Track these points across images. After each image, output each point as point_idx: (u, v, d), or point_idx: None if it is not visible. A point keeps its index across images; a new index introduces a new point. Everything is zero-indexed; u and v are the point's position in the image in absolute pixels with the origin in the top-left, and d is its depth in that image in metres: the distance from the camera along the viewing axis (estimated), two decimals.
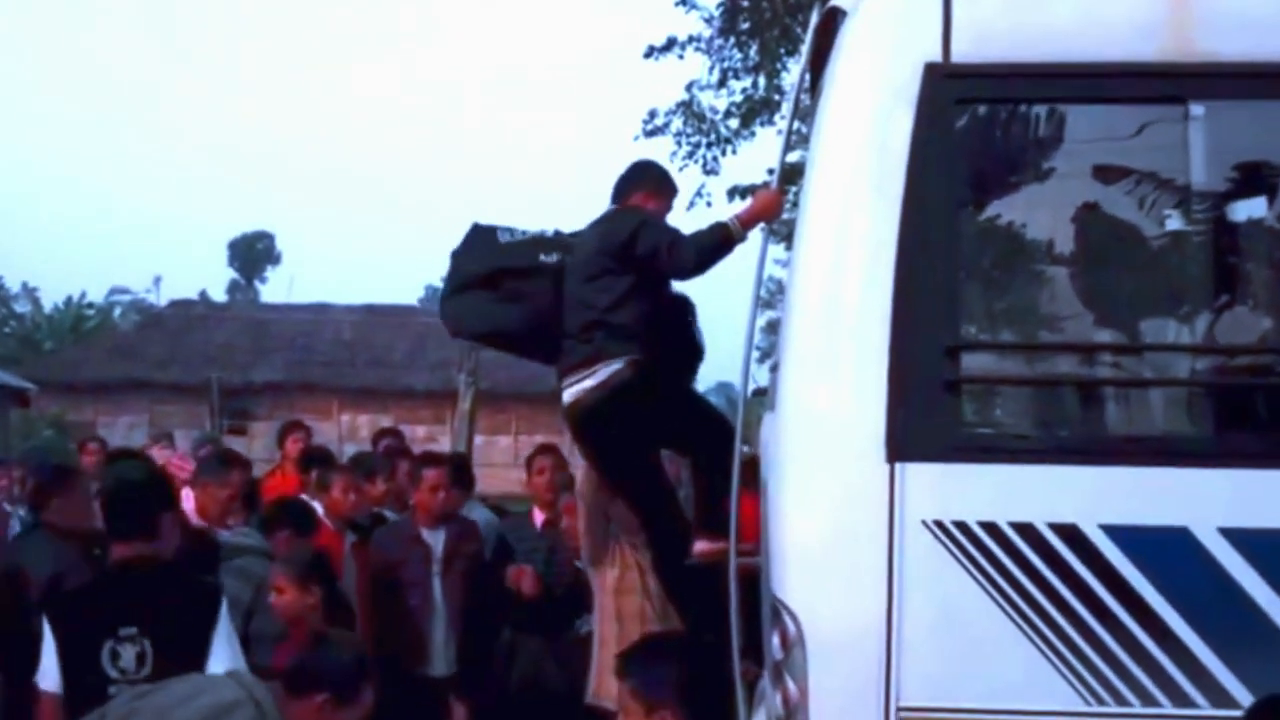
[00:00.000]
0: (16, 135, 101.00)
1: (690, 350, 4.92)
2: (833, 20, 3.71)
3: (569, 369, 4.57)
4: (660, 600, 4.82)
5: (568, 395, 4.58)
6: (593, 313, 4.51)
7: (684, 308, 4.91)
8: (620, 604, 4.85)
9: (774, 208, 4.32)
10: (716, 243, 4.32)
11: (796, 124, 4.53)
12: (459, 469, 6.61)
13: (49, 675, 3.86)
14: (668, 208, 4.89)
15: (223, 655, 3.90)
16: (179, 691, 3.39)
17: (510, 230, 4.86)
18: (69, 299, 45.57)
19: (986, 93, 3.48)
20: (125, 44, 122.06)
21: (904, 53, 3.40)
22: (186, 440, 10.73)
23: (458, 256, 4.88)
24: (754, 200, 4.44)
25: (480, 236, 4.87)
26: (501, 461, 27.64)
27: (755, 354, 4.34)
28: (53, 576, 5.00)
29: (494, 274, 4.74)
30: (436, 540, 6.06)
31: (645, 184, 4.81)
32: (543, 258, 4.76)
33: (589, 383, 4.49)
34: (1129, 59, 3.37)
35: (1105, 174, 3.56)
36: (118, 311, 49.21)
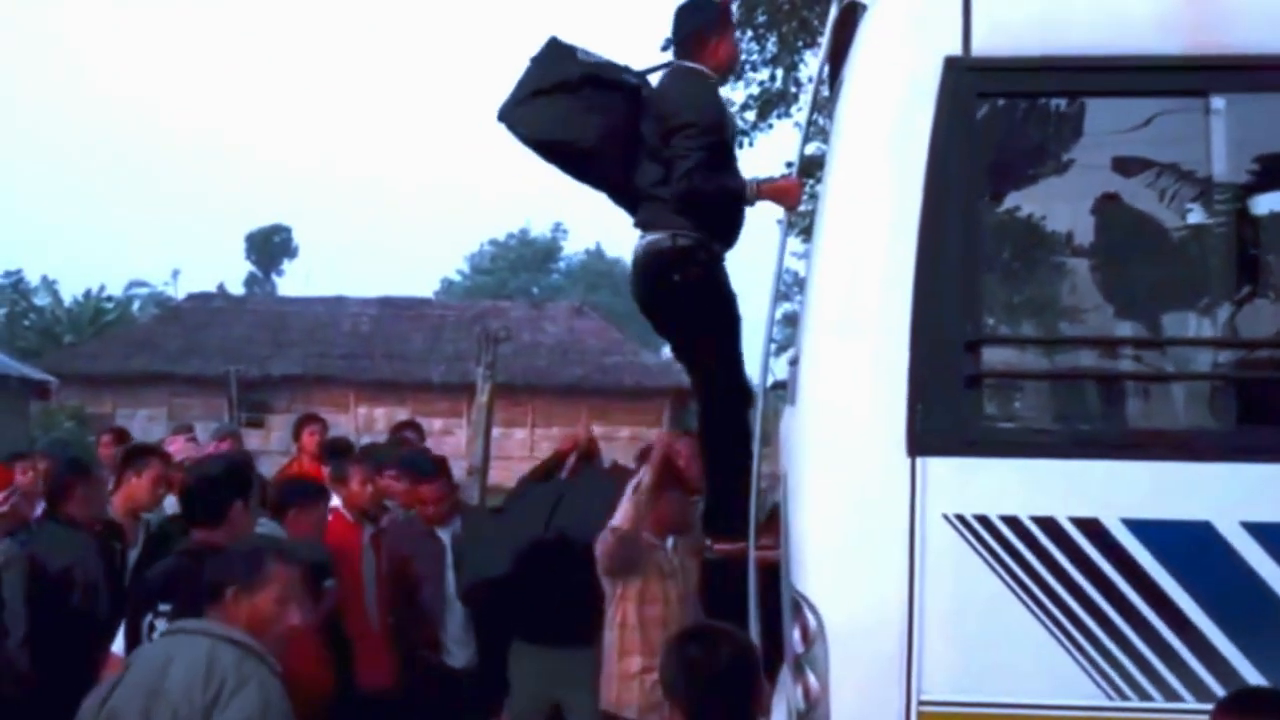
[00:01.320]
0: (35, 129, 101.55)
1: None
2: (852, 14, 3.72)
3: (638, 222, 4.63)
4: (681, 605, 4.85)
5: (636, 246, 4.63)
6: (653, 176, 4.52)
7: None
8: (643, 612, 4.90)
9: (793, 194, 4.38)
10: (733, 193, 4.40)
11: (815, 116, 4.53)
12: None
13: (117, 638, 4.32)
14: (733, 37, 4.89)
15: None
16: (145, 670, 3.32)
17: (587, 51, 4.71)
18: (88, 292, 45.68)
19: (1007, 86, 3.47)
20: (145, 39, 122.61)
21: (924, 46, 3.39)
22: (204, 433, 10.75)
23: (538, 61, 4.71)
24: (776, 182, 4.44)
25: (560, 49, 4.71)
26: (518, 455, 27.68)
27: (773, 347, 4.35)
28: (64, 568, 5.05)
29: (581, 79, 4.59)
30: (449, 536, 6.08)
31: (712, 29, 4.61)
32: (625, 76, 4.67)
33: (645, 239, 4.55)
34: (1149, 52, 3.36)
35: (1126, 167, 3.55)
36: (136, 304, 49.40)
